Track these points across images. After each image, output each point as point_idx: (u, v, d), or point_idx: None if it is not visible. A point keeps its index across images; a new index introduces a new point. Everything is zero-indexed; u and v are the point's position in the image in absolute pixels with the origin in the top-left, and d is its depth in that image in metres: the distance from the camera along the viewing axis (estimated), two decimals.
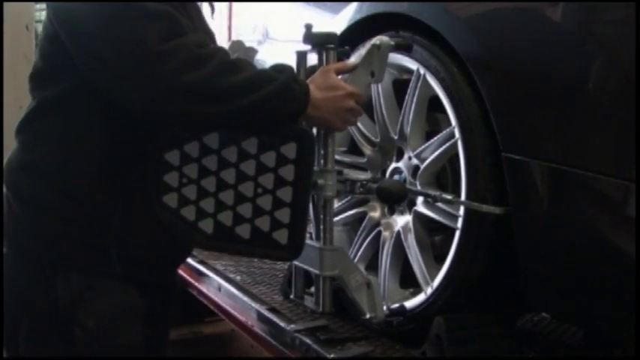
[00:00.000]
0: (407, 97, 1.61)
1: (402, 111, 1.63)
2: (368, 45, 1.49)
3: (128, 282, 1.33)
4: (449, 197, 1.48)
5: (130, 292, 1.34)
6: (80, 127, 1.30)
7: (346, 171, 1.48)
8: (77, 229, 1.30)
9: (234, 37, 3.30)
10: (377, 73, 1.49)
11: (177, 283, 1.61)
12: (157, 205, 1.28)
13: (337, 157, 1.55)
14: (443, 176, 1.63)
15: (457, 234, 1.49)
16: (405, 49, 1.56)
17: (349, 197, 1.79)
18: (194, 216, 1.29)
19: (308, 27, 1.43)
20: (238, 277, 2.10)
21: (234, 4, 2.85)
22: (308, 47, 1.46)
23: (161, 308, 1.43)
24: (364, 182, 1.48)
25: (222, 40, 3.59)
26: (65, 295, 1.29)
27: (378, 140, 1.75)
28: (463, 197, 1.47)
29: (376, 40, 1.50)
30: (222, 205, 1.28)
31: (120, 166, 1.30)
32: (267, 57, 2.68)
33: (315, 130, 1.41)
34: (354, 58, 1.57)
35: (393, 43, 1.51)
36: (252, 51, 2.82)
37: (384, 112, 1.69)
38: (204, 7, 1.54)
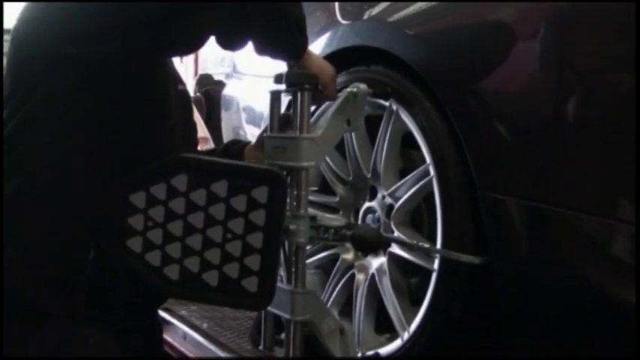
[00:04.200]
0: (379, 133, 1.64)
1: (375, 148, 1.66)
2: (344, 92, 1.52)
3: (104, 329, 1.37)
4: (426, 246, 1.51)
5: (106, 343, 1.38)
6: (51, 157, 1.35)
7: (319, 215, 1.50)
8: (53, 266, 1.34)
9: (201, 71, 3.31)
10: (353, 121, 1.53)
11: (158, 327, 1.63)
12: (120, 249, 1.29)
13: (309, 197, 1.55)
14: (418, 215, 1.64)
15: (434, 276, 1.50)
16: (382, 97, 1.60)
17: None
18: (159, 261, 1.30)
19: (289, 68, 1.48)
20: (205, 325, 2.10)
21: None
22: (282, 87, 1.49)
23: (142, 356, 1.46)
24: (338, 228, 1.50)
25: (189, 74, 3.59)
26: (39, 352, 1.32)
27: (350, 179, 1.77)
28: (439, 238, 1.49)
29: (353, 87, 1.53)
30: (189, 250, 1.29)
31: (90, 206, 1.34)
32: (235, 92, 2.70)
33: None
34: None
35: (370, 90, 1.55)
36: (221, 84, 2.81)
37: (356, 149, 1.72)
38: None
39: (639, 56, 1.17)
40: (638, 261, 1.17)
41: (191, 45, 1.42)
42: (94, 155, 1.35)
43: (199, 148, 2.00)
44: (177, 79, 1.55)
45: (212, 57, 3.15)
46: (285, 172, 1.41)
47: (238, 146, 1.70)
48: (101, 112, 1.34)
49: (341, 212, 1.83)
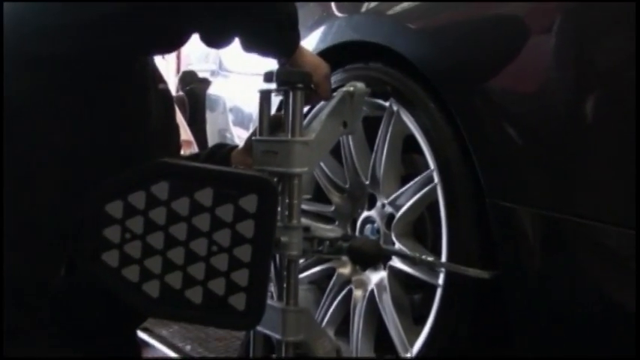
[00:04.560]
0: (379, 136, 1.62)
1: (374, 152, 1.64)
2: (340, 92, 1.51)
3: (75, 352, 1.36)
4: (430, 259, 1.49)
5: None
6: (17, 162, 1.32)
7: (313, 226, 1.49)
8: (18, 282, 1.31)
9: (183, 67, 3.33)
10: (350, 123, 1.52)
11: (136, 350, 1.62)
12: (94, 264, 1.26)
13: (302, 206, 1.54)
14: (421, 226, 1.62)
15: (438, 291, 1.48)
16: (382, 97, 1.58)
17: None
18: (138, 277, 1.28)
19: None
20: (188, 347, 2.08)
21: None
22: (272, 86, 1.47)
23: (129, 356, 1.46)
24: (334, 240, 1.49)
25: (170, 71, 3.60)
26: None
27: (347, 186, 1.76)
28: (444, 251, 1.46)
29: (349, 86, 1.52)
30: (171, 264, 1.28)
31: (61, 217, 1.33)
32: (221, 91, 2.71)
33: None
34: None
35: (368, 89, 1.53)
36: (206, 83, 2.83)
37: (354, 153, 1.70)
38: None
39: (639, 57, 1.17)
40: (638, 265, 1.16)
41: (171, 44, 1.42)
42: (66, 161, 1.33)
43: (182, 152, 2.02)
44: (158, 78, 1.55)
45: (196, 53, 3.19)
46: (275, 179, 1.40)
47: (224, 150, 1.69)
48: (72, 113, 1.32)
49: (337, 222, 1.82)
